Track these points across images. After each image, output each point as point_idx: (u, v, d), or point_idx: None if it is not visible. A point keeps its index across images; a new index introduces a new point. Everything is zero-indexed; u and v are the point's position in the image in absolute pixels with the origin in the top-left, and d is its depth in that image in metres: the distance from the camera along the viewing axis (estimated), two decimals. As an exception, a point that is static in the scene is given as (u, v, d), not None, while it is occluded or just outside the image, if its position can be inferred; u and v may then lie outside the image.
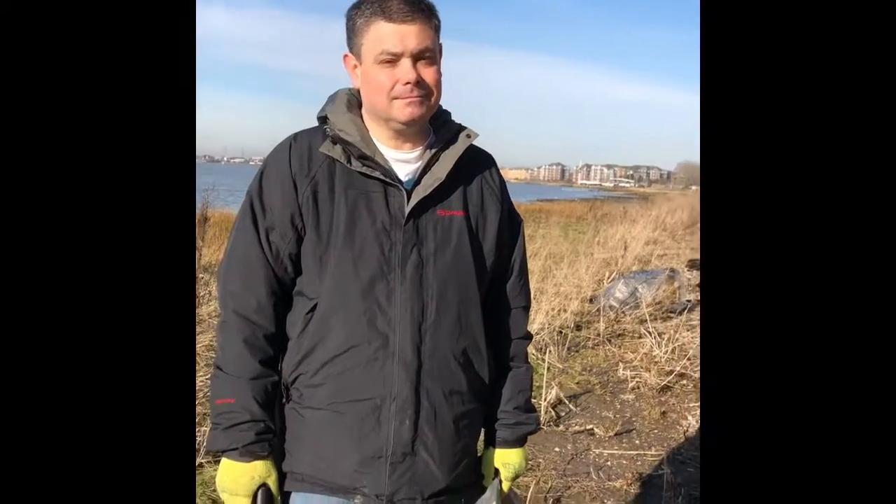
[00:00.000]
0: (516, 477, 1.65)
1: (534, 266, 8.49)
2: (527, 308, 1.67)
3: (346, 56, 1.47)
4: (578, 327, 6.79)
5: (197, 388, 4.54)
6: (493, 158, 1.63)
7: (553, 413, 4.58)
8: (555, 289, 7.45)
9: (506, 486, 1.64)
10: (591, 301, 7.71)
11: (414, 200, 1.43)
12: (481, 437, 1.66)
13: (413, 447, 1.44)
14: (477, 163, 1.57)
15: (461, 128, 1.54)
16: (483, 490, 1.62)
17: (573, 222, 21.77)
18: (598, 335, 6.49)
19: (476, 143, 1.54)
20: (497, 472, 1.63)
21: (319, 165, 1.44)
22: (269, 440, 1.44)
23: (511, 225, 1.61)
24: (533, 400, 4.63)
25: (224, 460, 1.43)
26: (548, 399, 4.61)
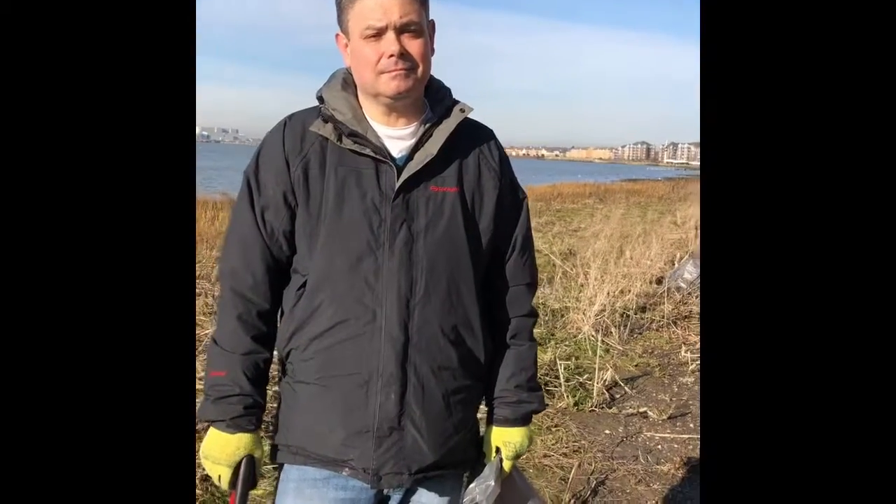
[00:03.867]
0: (518, 456, 1.65)
1: (601, 246, 8.38)
2: (531, 286, 1.65)
3: (337, 35, 1.48)
4: (644, 309, 6.67)
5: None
6: (492, 133, 1.61)
7: (607, 395, 4.53)
8: (619, 270, 7.32)
9: (507, 465, 1.63)
10: (658, 282, 7.55)
11: (404, 176, 1.43)
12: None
13: (400, 422, 1.45)
14: (475, 138, 1.56)
15: (456, 102, 1.52)
16: (483, 468, 1.63)
17: (653, 202, 21.31)
18: (664, 317, 6.36)
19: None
20: (498, 450, 1.63)
21: (311, 144, 1.46)
22: (256, 415, 1.48)
23: (513, 200, 1.60)
24: (588, 382, 4.57)
25: (212, 429, 1.48)
26: (601, 381, 4.55)
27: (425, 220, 1.45)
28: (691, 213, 13.57)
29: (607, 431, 4.06)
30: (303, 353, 1.48)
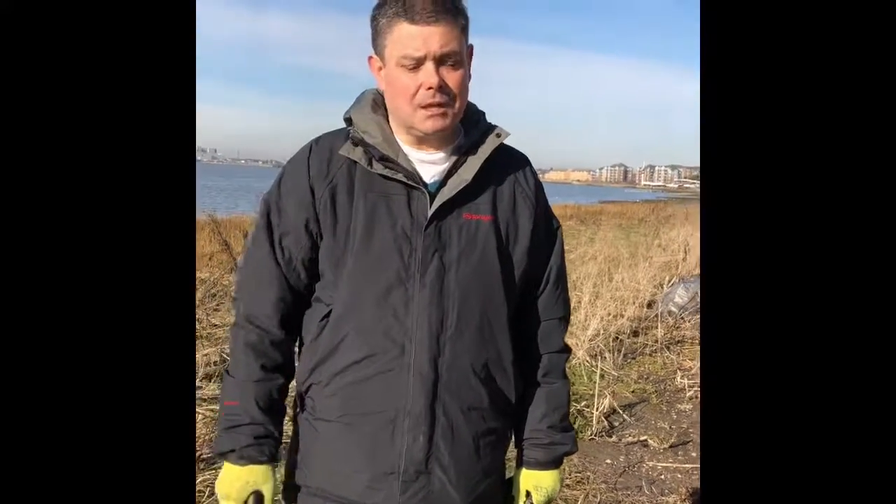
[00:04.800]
0: (549, 501, 1.55)
1: (591, 269, 8.32)
2: (564, 319, 1.57)
3: (370, 58, 1.40)
4: (636, 333, 6.61)
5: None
6: (527, 159, 1.53)
7: (606, 423, 4.44)
8: (611, 293, 7.26)
9: None
10: (649, 306, 7.50)
11: (437, 203, 1.35)
12: (511, 456, 1.57)
13: (427, 465, 1.36)
14: (510, 164, 1.48)
15: (491, 127, 1.45)
16: None
17: (634, 224, 21.38)
18: (657, 342, 6.30)
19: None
20: (528, 495, 1.53)
21: (339, 168, 1.38)
22: (268, 445, 1.39)
23: (547, 230, 1.51)
24: (586, 409, 4.48)
25: (224, 464, 1.40)
26: (600, 408, 4.46)
27: (458, 250, 1.37)
28: (674, 235, 13.59)
29: (608, 461, 3.96)
30: (325, 388, 1.40)
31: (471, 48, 1.38)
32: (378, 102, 1.43)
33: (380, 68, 1.37)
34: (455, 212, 1.37)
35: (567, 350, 1.57)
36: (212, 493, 3.07)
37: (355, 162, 1.37)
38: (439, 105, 1.31)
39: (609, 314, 6.57)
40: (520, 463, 1.55)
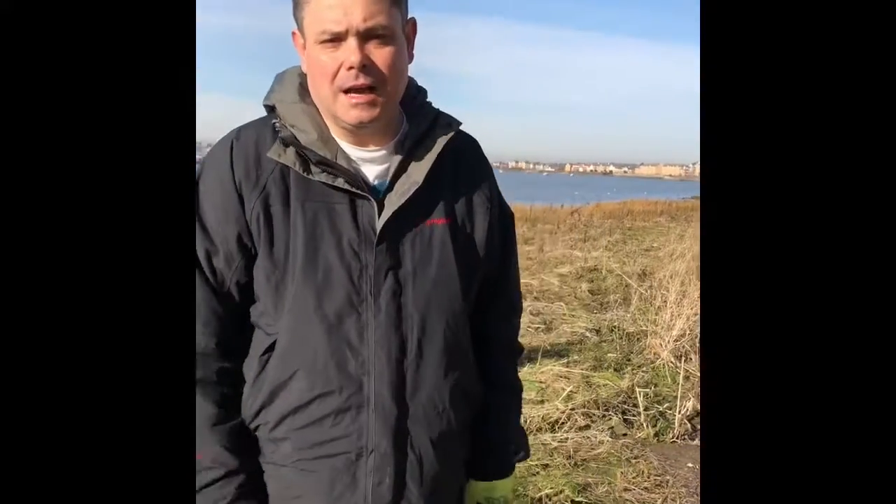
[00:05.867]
0: None
1: (679, 267, 8.12)
2: (518, 317, 1.46)
3: (294, 33, 1.21)
4: (724, 334, 6.40)
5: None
6: (477, 144, 1.36)
7: (689, 426, 4.33)
8: (698, 292, 7.06)
9: None
10: (739, 307, 7.25)
11: (387, 212, 1.18)
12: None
13: None
14: (461, 153, 1.30)
15: (440, 115, 1.27)
16: None
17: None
18: (746, 344, 6.09)
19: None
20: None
21: (270, 172, 1.19)
22: (256, 495, 1.24)
23: (502, 222, 1.36)
24: (668, 411, 4.38)
25: None
26: (683, 411, 4.35)
27: (413, 263, 1.21)
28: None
29: (690, 465, 3.86)
30: (273, 431, 1.24)
31: (412, 23, 1.21)
32: (305, 86, 1.23)
33: (303, 46, 1.19)
34: (407, 219, 1.21)
35: (522, 350, 1.48)
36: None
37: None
38: (367, 89, 1.14)
39: (696, 314, 6.39)
40: (470, 474, 1.42)
